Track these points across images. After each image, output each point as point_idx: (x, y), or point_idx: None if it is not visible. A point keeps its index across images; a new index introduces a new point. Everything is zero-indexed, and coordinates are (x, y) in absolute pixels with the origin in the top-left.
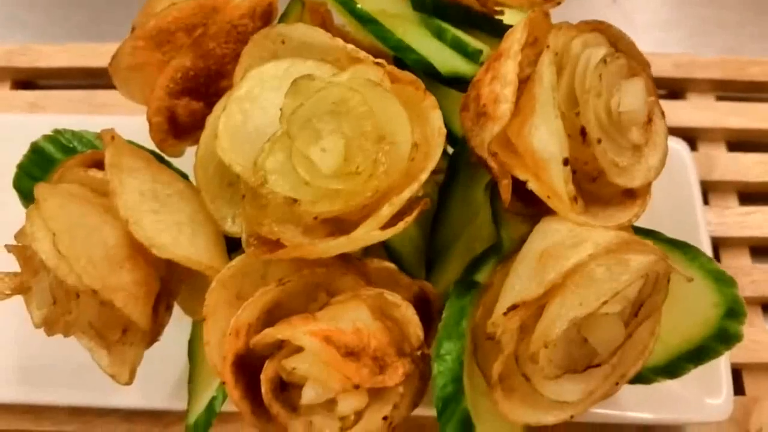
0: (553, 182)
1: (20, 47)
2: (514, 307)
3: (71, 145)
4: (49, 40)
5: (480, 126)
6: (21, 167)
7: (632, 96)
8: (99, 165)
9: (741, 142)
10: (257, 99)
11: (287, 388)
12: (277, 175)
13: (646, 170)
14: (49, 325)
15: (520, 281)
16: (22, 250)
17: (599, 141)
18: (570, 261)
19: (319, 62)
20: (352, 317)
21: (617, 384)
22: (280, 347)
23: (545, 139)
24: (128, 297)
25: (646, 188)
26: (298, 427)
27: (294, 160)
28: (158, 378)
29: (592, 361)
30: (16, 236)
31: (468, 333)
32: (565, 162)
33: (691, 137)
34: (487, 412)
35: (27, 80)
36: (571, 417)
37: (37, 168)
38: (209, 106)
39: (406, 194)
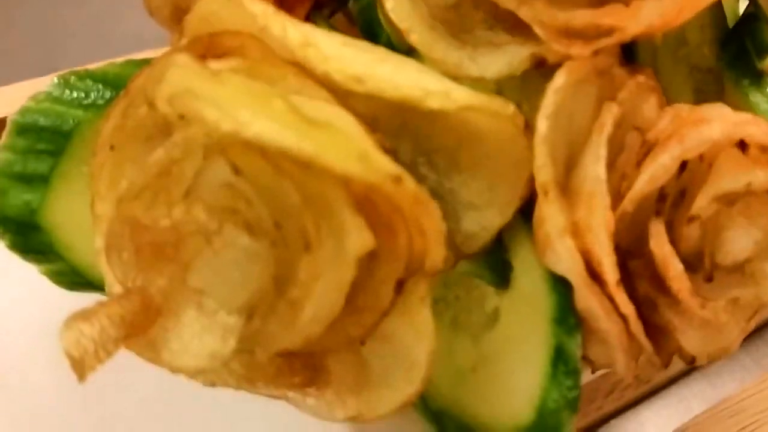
0: None
1: None
2: None
3: (92, 93)
4: None
5: None
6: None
7: None
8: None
9: None
10: None
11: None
12: None
13: None
14: (248, 345)
15: None
16: (136, 231)
17: None
18: None
19: None
20: (728, 112)
21: None
22: (662, 199)
23: None
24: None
25: None
26: (724, 315)
27: None
28: None
29: None
30: (121, 202)
31: None
32: None
33: None
34: None
35: None
36: None
37: (34, 158)
38: None
39: None
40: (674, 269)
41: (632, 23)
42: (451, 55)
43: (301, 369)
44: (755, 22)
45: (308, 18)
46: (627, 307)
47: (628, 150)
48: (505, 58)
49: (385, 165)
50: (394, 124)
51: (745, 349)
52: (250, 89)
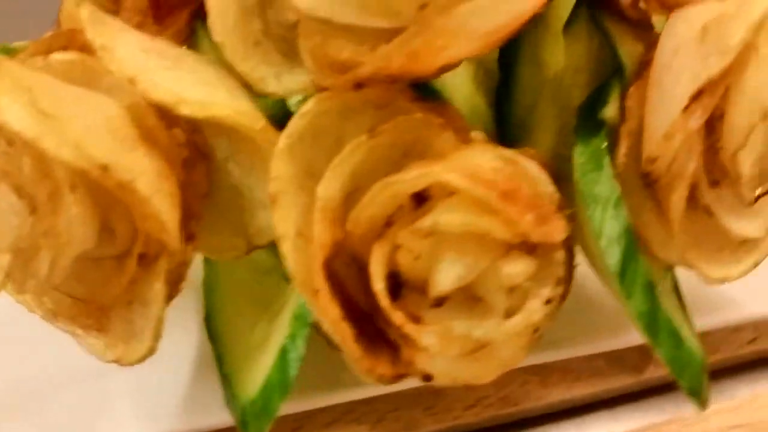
0: None
1: None
2: (695, 97)
3: None
4: None
5: None
6: None
7: None
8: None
9: None
10: None
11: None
12: None
13: None
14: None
15: (687, 71)
16: None
17: None
18: (752, 15)
19: None
20: (484, 158)
21: None
22: (388, 224)
23: None
24: (153, 185)
25: None
26: (432, 338)
27: None
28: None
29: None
30: None
31: None
32: None
33: None
34: None
35: None
36: (754, 266)
37: None
38: None
39: None
40: (375, 286)
41: (368, 60)
42: (258, 71)
43: (94, 313)
44: (615, 74)
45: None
46: (329, 313)
47: None
48: (299, 80)
49: (95, 155)
50: (213, 123)
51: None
52: (15, 83)
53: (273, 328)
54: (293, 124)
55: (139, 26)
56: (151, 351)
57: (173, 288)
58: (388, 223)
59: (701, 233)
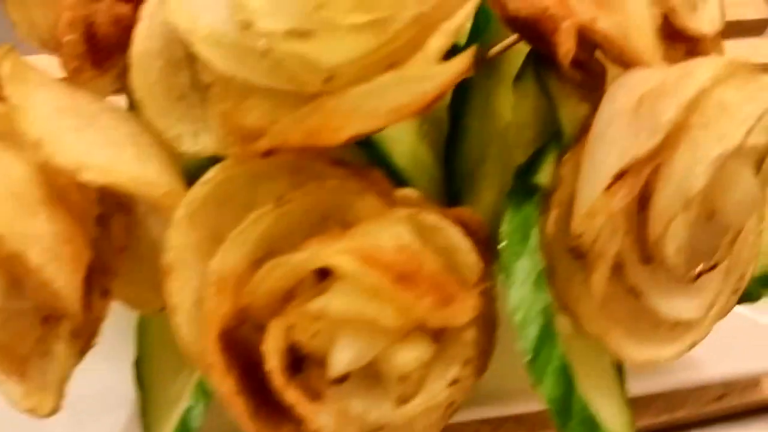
0: (634, 10)
1: None
2: (620, 176)
3: None
4: None
5: None
6: None
7: None
8: None
9: None
10: None
11: (301, 369)
12: (269, 15)
13: None
14: None
15: (617, 145)
16: None
17: None
18: (687, 91)
19: None
20: (390, 234)
21: (734, 293)
22: (288, 298)
23: None
24: (48, 253)
25: None
26: (328, 419)
27: None
28: None
29: (707, 261)
30: None
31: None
32: None
33: None
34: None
35: None
36: (691, 347)
37: None
38: (138, 8)
39: (458, 20)
40: (268, 364)
41: (269, 133)
42: (175, 128)
43: (17, 360)
44: (553, 137)
45: None
46: (223, 387)
47: None
48: (212, 139)
49: None
50: None
51: None
52: None
53: (187, 385)
54: (194, 192)
55: (77, 71)
56: (55, 409)
57: (85, 343)
58: (287, 297)
59: (630, 312)
